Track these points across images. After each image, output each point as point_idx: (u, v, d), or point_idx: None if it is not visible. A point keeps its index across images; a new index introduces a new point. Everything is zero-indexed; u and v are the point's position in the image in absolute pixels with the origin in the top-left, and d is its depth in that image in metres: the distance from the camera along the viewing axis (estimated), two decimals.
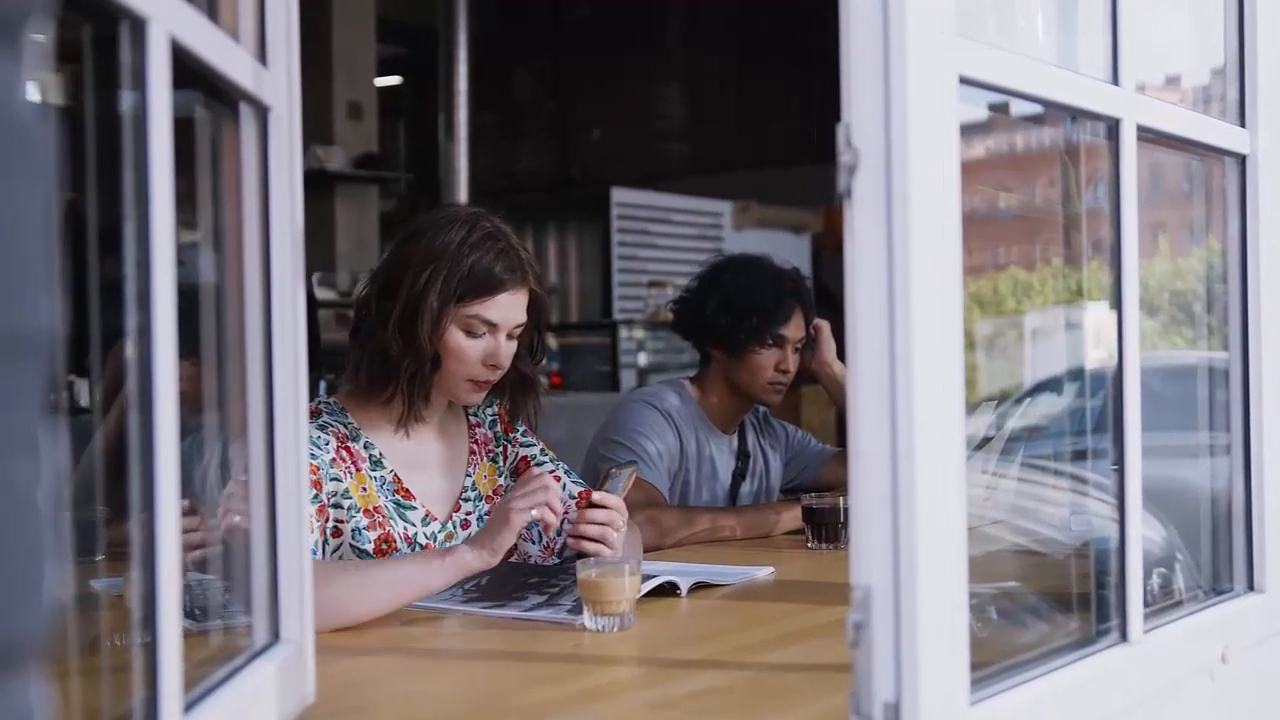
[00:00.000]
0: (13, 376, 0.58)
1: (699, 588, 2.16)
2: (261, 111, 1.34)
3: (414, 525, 2.21)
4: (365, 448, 2.21)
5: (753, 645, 1.82)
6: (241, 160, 1.34)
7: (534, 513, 1.97)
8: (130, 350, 1.01)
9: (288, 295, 1.37)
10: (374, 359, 2.19)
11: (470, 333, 2.18)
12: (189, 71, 1.11)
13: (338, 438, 2.17)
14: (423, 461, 2.28)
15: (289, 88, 1.39)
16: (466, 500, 2.32)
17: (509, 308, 2.20)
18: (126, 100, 1.02)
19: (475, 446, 2.36)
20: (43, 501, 0.59)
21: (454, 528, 2.27)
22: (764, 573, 2.34)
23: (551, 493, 1.99)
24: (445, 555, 1.98)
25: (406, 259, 2.18)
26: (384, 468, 2.21)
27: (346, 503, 2.14)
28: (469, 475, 2.33)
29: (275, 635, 1.37)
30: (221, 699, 1.18)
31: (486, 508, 2.32)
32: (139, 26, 0.99)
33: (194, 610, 1.34)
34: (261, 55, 1.35)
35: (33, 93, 0.60)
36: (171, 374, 1.02)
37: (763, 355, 2.98)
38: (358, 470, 2.18)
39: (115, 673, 1.25)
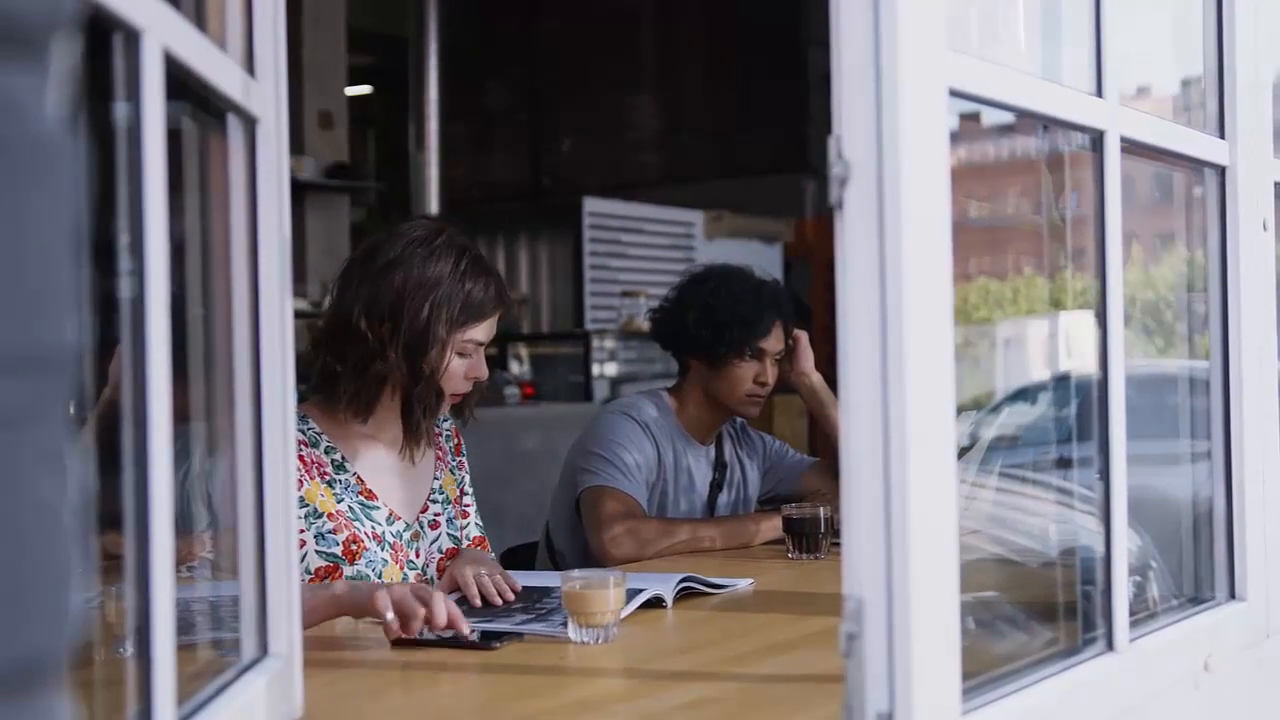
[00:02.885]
0: (39, 393, 0.57)
1: (685, 595, 2.16)
2: (250, 123, 1.34)
3: (379, 524, 2.27)
4: (327, 452, 2.26)
5: (739, 656, 1.82)
6: (229, 171, 1.34)
7: (389, 616, 1.81)
8: (123, 361, 1.01)
9: (276, 307, 1.37)
10: (374, 385, 2.24)
11: (462, 355, 2.28)
12: (178, 82, 1.11)
13: None
14: (389, 465, 2.33)
15: (277, 99, 1.38)
16: (435, 501, 2.40)
17: (493, 326, 2.33)
18: (119, 111, 1.01)
19: (440, 453, 2.45)
20: (68, 517, 0.59)
21: (421, 527, 2.35)
22: (744, 584, 2.33)
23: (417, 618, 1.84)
24: (320, 592, 1.94)
25: (397, 289, 2.22)
26: (348, 471, 2.27)
27: (303, 510, 2.18)
28: (437, 479, 2.41)
29: (264, 649, 1.36)
30: (211, 714, 1.17)
31: (453, 511, 2.42)
32: (133, 38, 0.99)
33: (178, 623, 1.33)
34: (250, 67, 1.34)
35: (57, 108, 0.60)
36: (164, 386, 1.01)
37: (742, 368, 2.98)
38: (312, 478, 2.22)
39: (101, 686, 1.24)
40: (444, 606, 1.83)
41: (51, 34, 0.59)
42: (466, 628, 1.85)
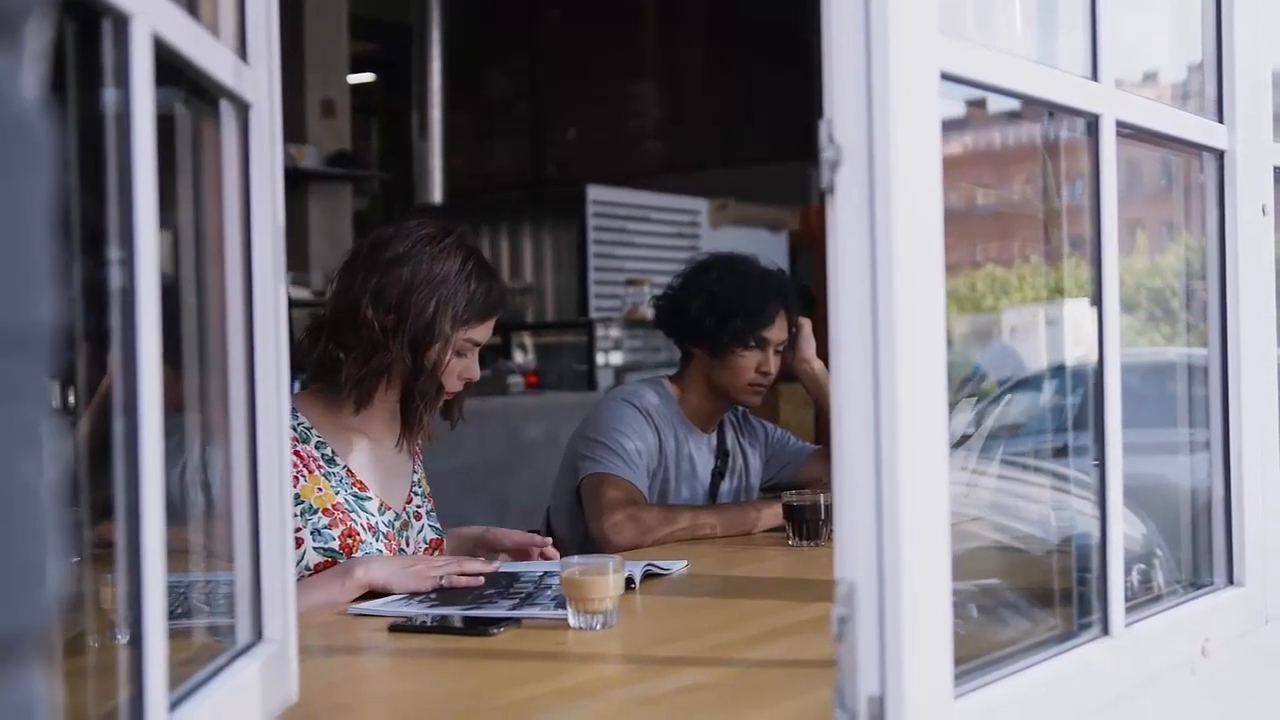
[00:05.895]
0: (18, 370, 0.58)
1: (687, 582, 2.18)
2: (243, 109, 1.34)
3: (373, 515, 2.31)
4: (317, 447, 2.29)
5: (736, 642, 1.82)
6: (222, 158, 1.34)
7: (443, 581, 2.12)
8: (114, 351, 1.01)
9: (269, 294, 1.37)
10: (375, 376, 2.27)
11: (459, 354, 2.32)
12: (169, 68, 1.11)
13: None
14: (375, 458, 2.37)
15: (270, 85, 1.38)
16: (416, 494, 2.44)
17: (490, 328, 2.37)
18: (109, 97, 1.01)
19: (417, 450, 2.49)
20: (46, 495, 0.59)
21: (408, 517, 2.40)
22: (678, 566, 2.36)
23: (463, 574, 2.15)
24: (345, 578, 2.09)
25: (405, 282, 2.25)
26: (338, 464, 2.30)
27: (299, 507, 2.20)
28: (416, 472, 2.46)
29: (258, 634, 1.36)
30: (205, 697, 1.17)
31: (430, 505, 2.48)
32: (122, 23, 0.99)
33: (173, 609, 1.33)
34: (242, 52, 1.34)
35: (32, 90, 0.60)
36: (155, 375, 1.02)
37: (745, 357, 2.97)
38: (311, 472, 2.25)
39: (95, 673, 1.24)
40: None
41: (26, 16, 0.59)
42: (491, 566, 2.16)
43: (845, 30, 1.16)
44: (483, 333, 2.34)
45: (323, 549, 2.21)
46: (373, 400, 2.30)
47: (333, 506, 2.24)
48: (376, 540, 2.28)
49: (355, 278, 2.28)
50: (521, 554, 2.42)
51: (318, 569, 2.19)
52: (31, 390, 0.59)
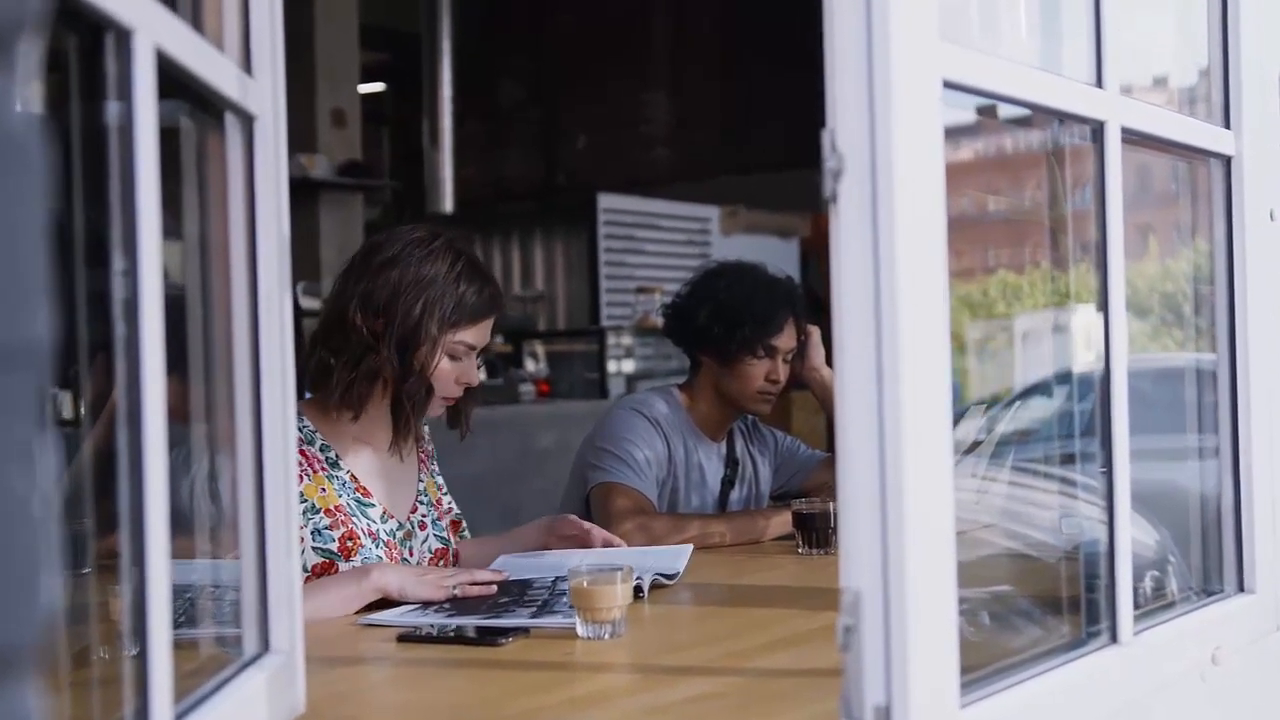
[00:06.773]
0: (10, 386, 0.58)
1: (657, 587, 2.21)
2: (247, 121, 1.34)
3: (374, 522, 2.31)
4: (321, 450, 2.30)
5: (744, 651, 1.81)
6: (227, 170, 1.34)
7: (456, 591, 2.12)
8: (118, 362, 1.01)
9: (274, 306, 1.37)
10: (366, 380, 2.27)
11: (453, 357, 2.31)
12: (173, 81, 1.11)
13: None
14: (379, 467, 2.37)
15: (274, 97, 1.38)
16: (422, 503, 2.44)
17: (487, 331, 2.36)
18: (112, 110, 1.02)
19: (423, 457, 2.49)
20: (39, 510, 0.59)
21: (412, 527, 2.40)
22: (684, 551, 2.40)
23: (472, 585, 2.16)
24: (361, 580, 2.09)
25: (393, 285, 2.26)
26: (342, 469, 2.31)
27: (302, 505, 2.21)
28: (421, 481, 2.46)
29: (265, 645, 1.37)
30: (211, 709, 1.17)
31: (436, 514, 2.46)
32: (124, 37, 0.99)
33: (179, 619, 1.34)
34: (246, 64, 1.34)
35: (26, 104, 0.60)
36: (159, 386, 1.02)
37: (754, 365, 2.97)
38: (315, 473, 2.26)
39: (103, 684, 1.24)
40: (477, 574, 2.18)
41: (18, 34, 0.60)
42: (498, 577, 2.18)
43: (847, 38, 1.16)
44: (475, 335, 2.32)
45: (322, 550, 2.22)
46: (366, 406, 2.30)
47: (335, 508, 2.25)
48: (376, 547, 2.28)
49: (348, 284, 2.31)
50: (583, 542, 2.46)
51: (315, 570, 2.20)
52: (24, 407, 0.59)
